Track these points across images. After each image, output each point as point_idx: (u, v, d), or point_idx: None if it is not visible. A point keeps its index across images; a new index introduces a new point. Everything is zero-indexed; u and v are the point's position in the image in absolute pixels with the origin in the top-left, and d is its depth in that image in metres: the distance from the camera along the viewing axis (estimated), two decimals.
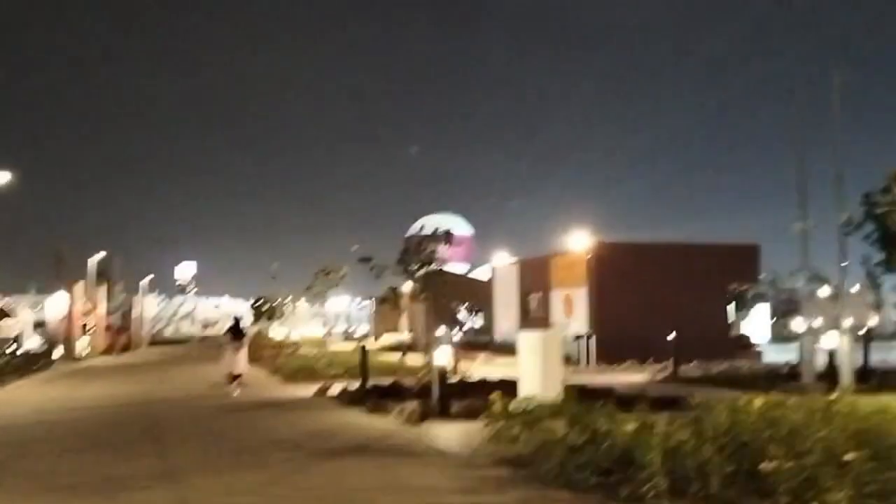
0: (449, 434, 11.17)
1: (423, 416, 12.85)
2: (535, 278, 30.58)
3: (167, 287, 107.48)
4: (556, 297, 28.88)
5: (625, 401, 13.05)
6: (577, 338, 25.09)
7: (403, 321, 61.42)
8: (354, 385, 17.91)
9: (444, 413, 12.99)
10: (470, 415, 12.78)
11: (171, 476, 8.68)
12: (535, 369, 12.72)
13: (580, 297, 27.09)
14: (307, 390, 18.43)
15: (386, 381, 18.86)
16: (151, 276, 59.45)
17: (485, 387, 17.10)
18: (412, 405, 14.16)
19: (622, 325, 25.53)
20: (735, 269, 27.34)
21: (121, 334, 52.30)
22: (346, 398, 16.01)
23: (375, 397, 15.81)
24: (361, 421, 13.18)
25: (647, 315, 26.14)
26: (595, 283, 26.38)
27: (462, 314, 53.85)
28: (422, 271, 17.03)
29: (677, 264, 26.83)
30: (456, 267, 71.06)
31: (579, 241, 27.21)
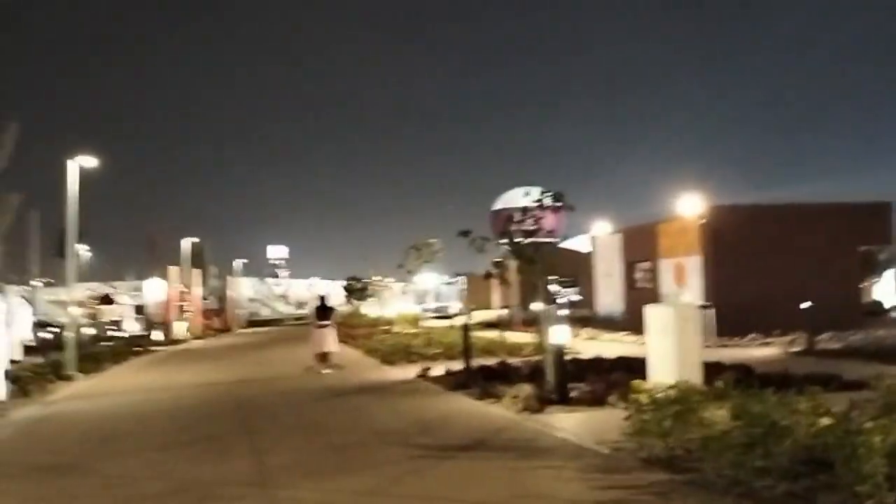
0: (576, 425, 9.72)
1: (541, 402, 11.45)
2: (641, 247, 28.66)
3: (261, 269, 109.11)
4: (666, 267, 26.94)
5: (768, 380, 11.37)
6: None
7: (495, 297, 60.12)
8: (456, 366, 16.68)
9: (563, 399, 11.55)
10: (594, 401, 11.31)
11: (266, 481, 7.52)
12: (669, 348, 11.10)
13: (693, 266, 25.10)
14: (406, 372, 17.29)
15: (489, 360, 17.59)
16: (245, 260, 59.69)
17: (601, 366, 15.62)
18: (526, 389, 12.77)
19: (741, 295, 23.49)
20: (864, 230, 24.86)
21: (217, 317, 52.71)
22: (451, 381, 14.74)
23: (482, 380, 14.49)
24: (471, 408, 11.85)
25: (767, 283, 24.04)
26: (710, 250, 24.34)
27: (558, 287, 52.18)
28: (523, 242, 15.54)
29: (800, 227, 24.53)
30: (551, 238, 69.17)
31: (690, 206, 25.17)
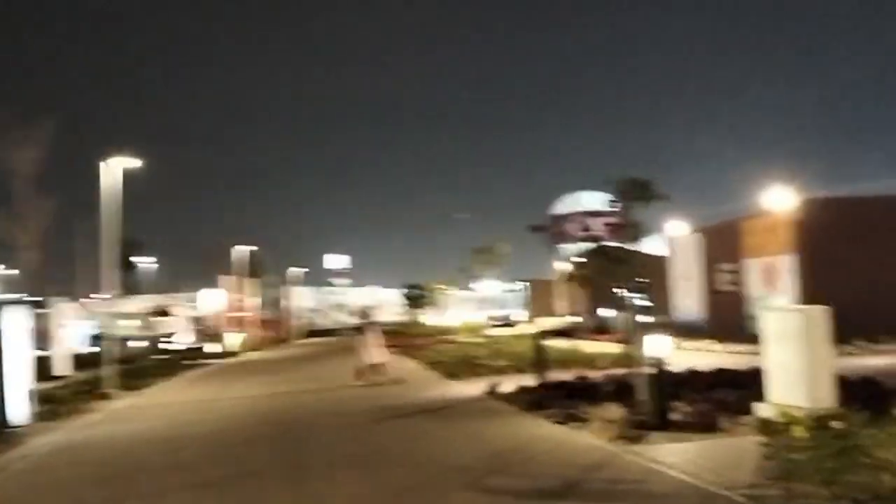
0: (690, 460, 7.80)
1: (637, 428, 9.57)
2: (724, 247, 26.38)
3: (319, 279, 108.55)
4: (753, 268, 24.65)
5: None
6: None
7: (560, 304, 57.95)
8: (529, 381, 14.87)
9: (663, 423, 9.64)
10: (702, 426, 9.36)
11: None
12: (794, 361, 9.11)
13: (785, 266, 22.80)
14: (472, 387, 15.54)
15: (564, 374, 15.74)
16: (305, 269, 58.65)
17: (698, 381, 13.62)
18: (615, 411, 10.89)
19: (842, 297, 21.07)
20: None
21: (275, 327, 51.69)
22: (524, 399, 12.91)
23: (561, 398, 12.67)
24: (554, 434, 10.02)
25: (871, 283, 21.64)
26: (805, 248, 22.03)
27: (626, 292, 49.82)
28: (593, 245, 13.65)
29: None
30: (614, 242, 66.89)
31: (780, 200, 22.87)
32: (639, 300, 49.19)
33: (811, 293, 21.59)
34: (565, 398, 12.75)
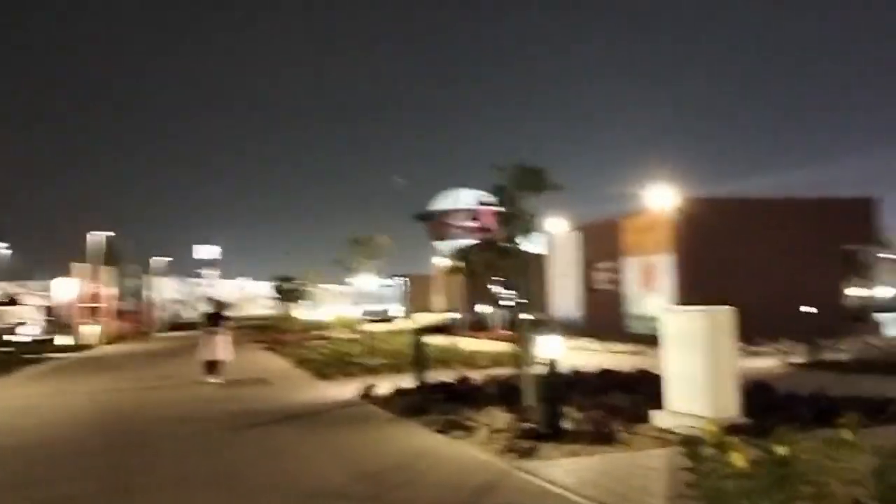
0: (593, 481, 6.85)
1: (528, 438, 8.60)
2: (603, 245, 26.11)
3: (186, 269, 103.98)
4: (631, 267, 24.44)
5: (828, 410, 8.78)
6: None
7: (437, 300, 57.24)
8: (407, 382, 13.78)
9: (555, 432, 8.69)
10: (599, 437, 8.45)
11: None
12: (698, 367, 8.37)
13: (663, 266, 22.64)
14: (345, 389, 14.30)
15: (444, 374, 14.73)
16: (168, 258, 55.39)
17: (586, 383, 12.83)
18: (501, 418, 9.96)
19: (718, 298, 21.07)
20: (847, 228, 22.76)
21: (134, 319, 48.53)
22: (402, 404, 11.77)
23: (442, 402, 11.61)
24: (435, 446, 8.90)
25: (747, 285, 21.69)
26: (684, 248, 21.90)
27: (500, 289, 49.49)
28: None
29: (781, 222, 22.32)
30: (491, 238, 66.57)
31: (661, 198, 22.70)
32: (512, 297, 49.09)
33: (688, 293, 21.49)
34: (445, 402, 11.72)
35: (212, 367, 16.90)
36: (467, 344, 24.38)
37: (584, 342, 23.10)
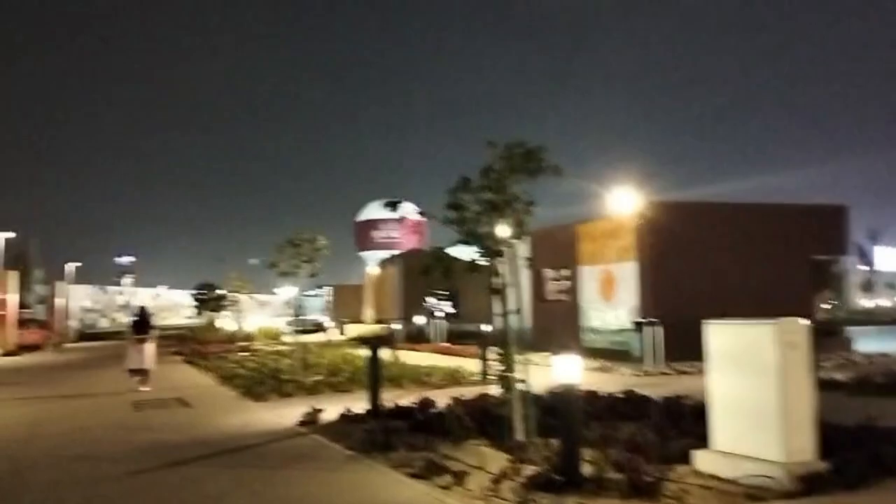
0: None
1: (540, 488, 6.57)
2: (556, 253, 24.31)
3: (101, 277, 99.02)
4: (589, 276, 22.71)
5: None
6: (638, 326, 19.01)
7: (368, 310, 54.84)
8: (353, 402, 11.71)
9: (573, 479, 6.67)
10: (633, 487, 6.45)
11: None
12: (758, 397, 6.48)
13: (626, 275, 20.97)
14: (281, 413, 12.06)
15: (395, 395, 12.72)
16: (79, 263, 51.50)
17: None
18: (489, 455, 7.95)
19: (685, 309, 19.51)
20: (819, 236, 21.53)
21: (40, 329, 44.69)
22: (356, 434, 9.61)
23: (405, 432, 9.54)
24: (422, 501, 6.76)
25: (714, 295, 20.23)
26: (649, 256, 20.27)
27: (434, 299, 47.43)
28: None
29: (752, 230, 20.95)
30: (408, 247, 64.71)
31: (622, 203, 20.99)
32: (445, 308, 47.13)
33: (653, 305, 19.89)
34: (411, 432, 9.63)
35: (137, 374, 16.76)
36: (410, 357, 22.31)
37: (540, 357, 21.24)
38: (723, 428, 6.82)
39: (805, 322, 6.64)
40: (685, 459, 7.16)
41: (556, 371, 6.86)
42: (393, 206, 9.09)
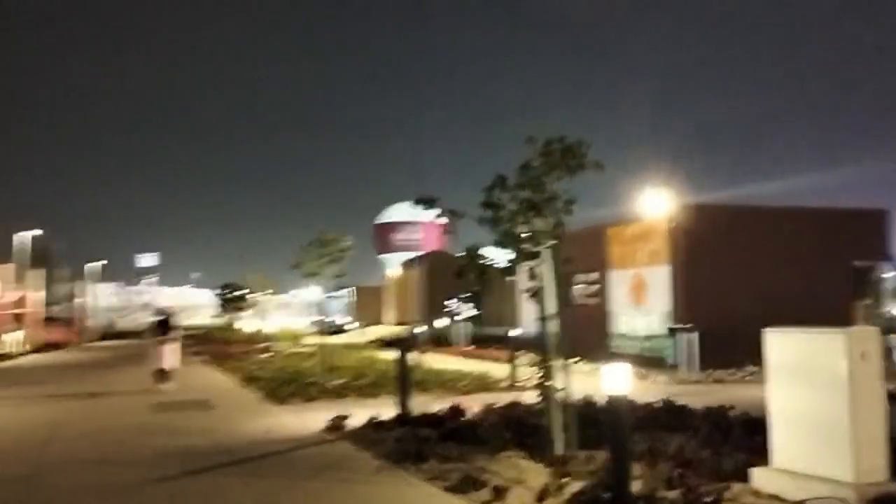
0: None
1: None
2: (584, 256, 23.78)
3: (125, 275, 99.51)
4: (618, 280, 22.18)
5: None
6: (672, 332, 18.47)
7: (389, 312, 54.52)
8: (380, 407, 11.31)
9: (625, 498, 6.21)
10: None
11: None
12: (826, 411, 6.00)
13: (658, 279, 20.44)
14: (306, 417, 11.69)
15: (424, 401, 12.34)
16: (104, 261, 51.48)
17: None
18: (529, 469, 7.51)
19: (719, 316, 18.99)
20: (858, 241, 20.86)
21: (64, 327, 44.78)
22: (387, 443, 9.19)
23: (436, 441, 9.13)
24: None
25: (750, 302, 19.68)
26: (682, 260, 19.73)
27: (456, 301, 46.96)
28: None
29: (789, 234, 20.34)
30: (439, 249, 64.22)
31: (655, 205, 20.49)
32: (467, 311, 46.63)
33: (688, 310, 19.33)
34: (442, 441, 9.21)
35: (163, 375, 16.66)
36: (434, 361, 21.92)
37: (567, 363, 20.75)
38: (785, 444, 6.34)
39: (873, 331, 6.15)
40: (741, 477, 6.70)
41: (605, 380, 6.41)
42: (427, 203, 8.64)
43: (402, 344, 12.30)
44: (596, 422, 8.90)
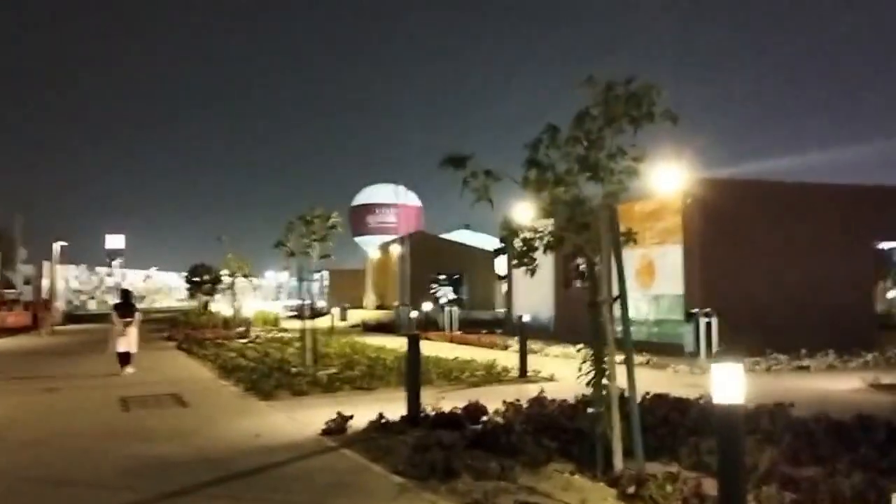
0: None
1: None
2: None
3: (90, 257, 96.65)
4: (628, 260, 20.71)
5: None
6: (690, 317, 17.08)
7: (369, 296, 52.84)
8: (385, 406, 9.76)
9: None
10: None
11: None
12: None
13: (668, 260, 19.04)
14: (299, 417, 10.14)
15: (428, 394, 10.88)
16: (65, 243, 48.97)
17: (664, 417, 8.91)
18: (589, 490, 6.01)
19: (737, 298, 17.71)
20: (881, 219, 19.63)
21: (25, 311, 42.66)
22: (400, 454, 7.60)
23: (461, 449, 7.59)
24: None
25: (770, 284, 18.43)
26: (697, 240, 18.34)
27: (436, 285, 45.51)
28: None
29: (809, 211, 19.05)
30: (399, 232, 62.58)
31: (667, 180, 18.99)
32: (447, 294, 45.19)
33: (703, 293, 17.97)
34: (468, 449, 7.67)
35: (124, 358, 16.32)
36: (425, 348, 20.35)
37: (564, 349, 19.48)
38: None
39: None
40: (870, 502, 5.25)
41: (716, 386, 4.87)
42: (459, 162, 7.03)
43: (412, 335, 10.77)
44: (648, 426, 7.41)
